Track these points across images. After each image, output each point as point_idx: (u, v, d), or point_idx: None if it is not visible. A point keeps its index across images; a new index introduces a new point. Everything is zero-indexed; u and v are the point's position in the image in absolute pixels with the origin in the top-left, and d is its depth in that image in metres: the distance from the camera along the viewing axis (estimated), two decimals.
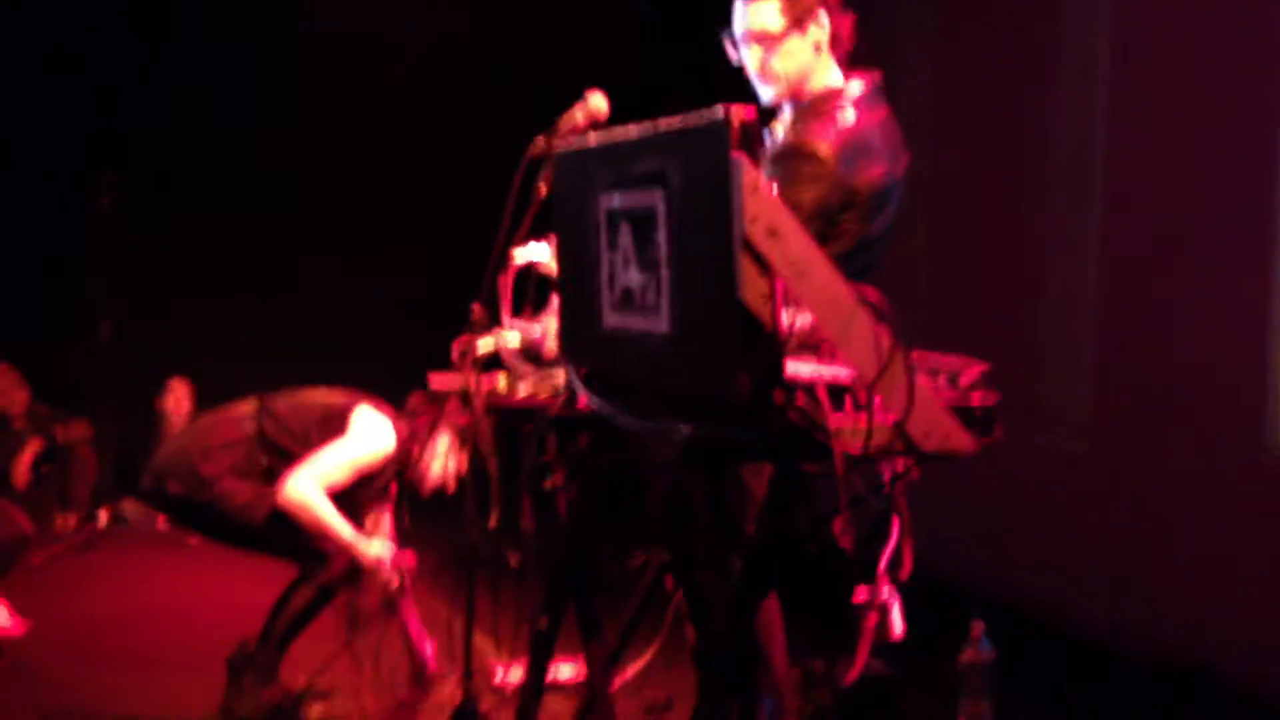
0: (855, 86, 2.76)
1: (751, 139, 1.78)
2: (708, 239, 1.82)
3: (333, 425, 3.84)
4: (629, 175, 2.02)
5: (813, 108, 2.74)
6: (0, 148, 7.01)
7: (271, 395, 3.96)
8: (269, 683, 3.80)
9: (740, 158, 1.75)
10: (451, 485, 3.98)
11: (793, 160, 2.61)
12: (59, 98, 7.01)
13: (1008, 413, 1.94)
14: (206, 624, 4.37)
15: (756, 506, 2.20)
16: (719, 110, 1.78)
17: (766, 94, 2.81)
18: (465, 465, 3.89)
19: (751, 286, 1.75)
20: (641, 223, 1.98)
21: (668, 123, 1.94)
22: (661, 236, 1.93)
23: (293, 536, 3.77)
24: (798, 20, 2.74)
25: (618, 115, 2.76)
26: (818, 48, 2.76)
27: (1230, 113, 4.60)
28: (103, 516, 6.66)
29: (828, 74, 2.79)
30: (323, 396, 3.94)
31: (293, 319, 6.86)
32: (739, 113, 1.78)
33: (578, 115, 3.01)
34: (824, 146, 2.61)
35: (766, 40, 2.76)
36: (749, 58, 2.81)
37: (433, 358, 3.07)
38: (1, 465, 6.45)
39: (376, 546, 3.82)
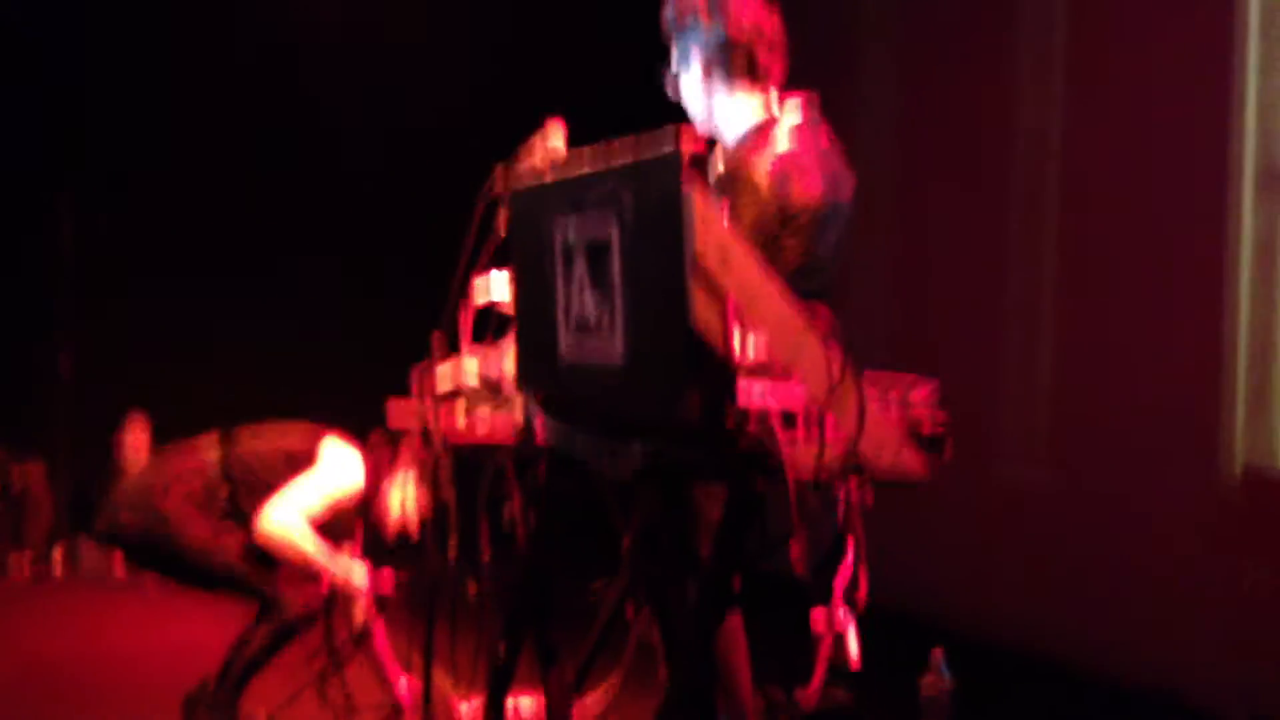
0: (790, 116, 2.81)
1: (702, 168, 1.81)
2: (660, 267, 1.85)
3: (298, 460, 3.82)
4: (583, 206, 2.05)
5: (748, 137, 2.79)
6: None
7: (234, 430, 3.93)
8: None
9: (690, 188, 1.78)
10: (414, 529, 3.93)
11: (730, 188, 2.66)
12: (13, 132, 6.96)
13: (966, 440, 1.97)
14: (163, 665, 4.33)
15: (710, 530, 2.21)
16: (670, 133, 1.82)
17: (699, 127, 2.88)
18: (428, 507, 3.88)
19: (704, 313, 1.78)
20: (596, 252, 2.02)
21: (621, 145, 1.97)
22: (615, 265, 1.96)
23: (248, 576, 3.74)
24: (712, 59, 2.81)
25: (585, 133, 2.81)
26: (740, 82, 2.82)
27: (1181, 133, 4.65)
28: (57, 557, 6.58)
29: (755, 108, 2.85)
30: (287, 432, 3.91)
31: (254, 352, 6.82)
32: (689, 143, 1.82)
33: (535, 151, 3.04)
34: (758, 172, 2.65)
35: (687, 76, 2.86)
36: (679, 93, 2.90)
37: (393, 386, 3.08)
38: None
39: (359, 572, 3.79)
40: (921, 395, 1.89)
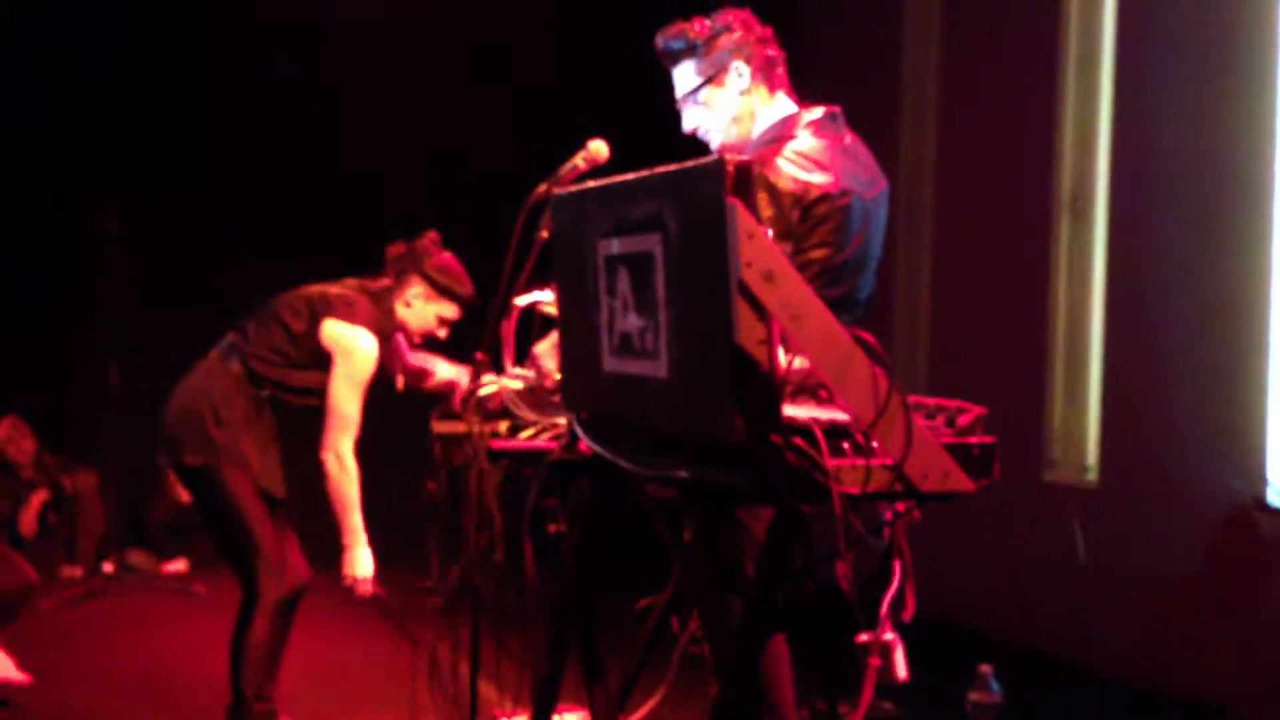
0: (810, 114, 2.80)
1: (746, 183, 1.79)
2: (704, 283, 1.84)
3: (303, 338, 3.81)
4: (626, 220, 2.04)
5: (766, 139, 2.78)
6: (4, 192, 7.04)
7: (233, 333, 3.90)
8: None
9: (735, 202, 1.77)
10: (440, 331, 3.94)
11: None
12: (61, 142, 7.04)
13: (1013, 450, 1.95)
14: (212, 672, 4.34)
15: (756, 547, 2.20)
16: (715, 155, 1.81)
17: (714, 147, 2.88)
18: (454, 311, 3.90)
19: (748, 330, 1.76)
20: (639, 268, 2.00)
21: (665, 169, 1.96)
22: (659, 281, 1.95)
23: (258, 545, 3.74)
24: (711, 77, 2.83)
25: (622, 161, 2.81)
26: (742, 93, 2.85)
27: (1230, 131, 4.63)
28: (108, 567, 6.64)
29: (771, 109, 2.86)
30: (279, 313, 3.86)
31: None
32: (734, 156, 1.80)
33: (579, 161, 3.06)
34: (775, 169, 2.64)
35: (690, 100, 2.87)
36: (687, 120, 2.91)
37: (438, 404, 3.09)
38: (8, 515, 6.45)
39: (366, 558, 3.79)
40: (968, 419, 1.86)
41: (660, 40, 2.90)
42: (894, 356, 5.81)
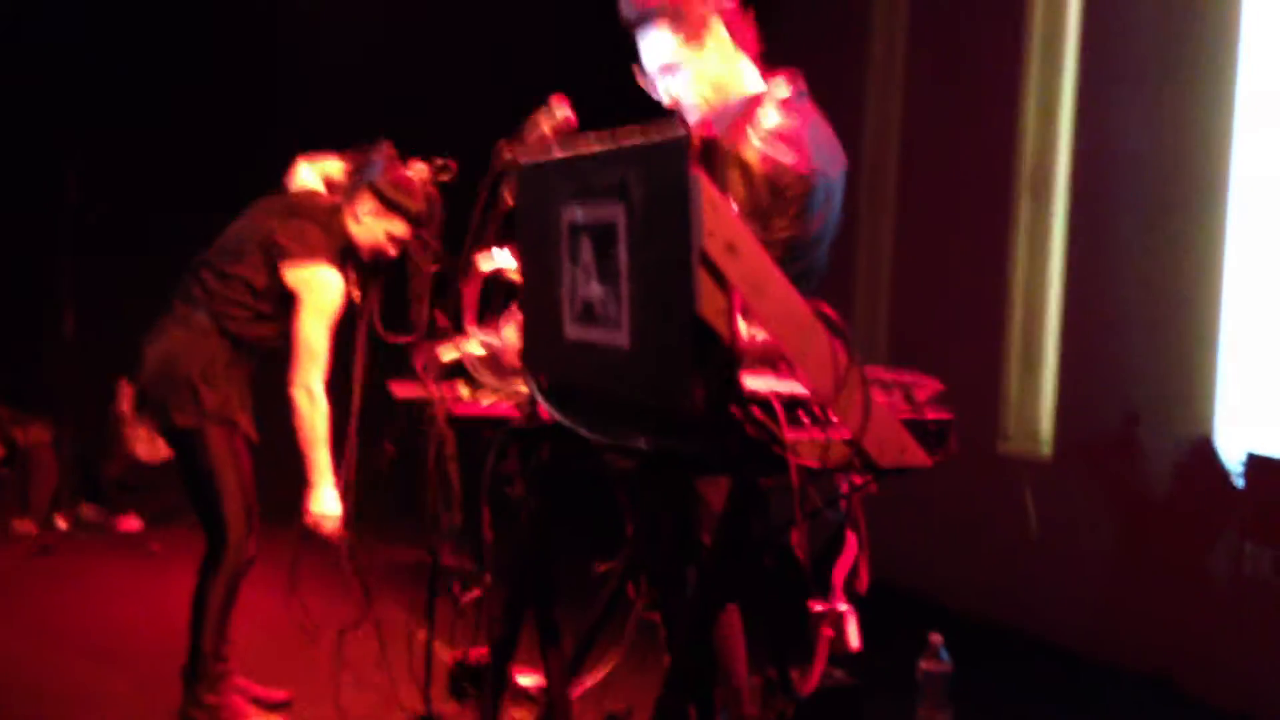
0: (777, 89, 2.77)
1: (711, 154, 1.79)
2: (667, 253, 1.84)
3: (270, 295, 3.75)
4: (591, 188, 2.03)
5: (735, 115, 2.76)
6: None
7: (194, 283, 3.83)
8: (217, 691, 3.78)
9: (699, 173, 1.77)
10: (390, 248, 3.84)
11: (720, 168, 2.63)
12: (20, 90, 6.92)
13: (968, 422, 1.97)
14: (168, 628, 4.34)
15: (713, 518, 2.21)
16: (679, 123, 1.80)
17: (692, 117, 2.83)
18: (404, 228, 3.79)
19: (709, 301, 1.76)
20: (602, 236, 2.00)
21: (628, 133, 1.95)
22: (622, 250, 1.95)
23: (233, 504, 3.72)
24: (690, 38, 2.75)
25: (582, 118, 2.78)
26: (723, 56, 2.78)
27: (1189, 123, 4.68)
28: (61, 522, 6.60)
29: (743, 81, 2.81)
30: (245, 272, 3.77)
31: None
32: (699, 127, 1.80)
33: (542, 123, 3.03)
34: (747, 150, 2.62)
35: (669, 68, 2.78)
36: (662, 89, 2.83)
37: (396, 366, 3.07)
38: None
39: (332, 497, 3.75)
40: (926, 392, 1.88)
41: (629, 5, 2.78)
42: (854, 328, 5.86)
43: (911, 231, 6.24)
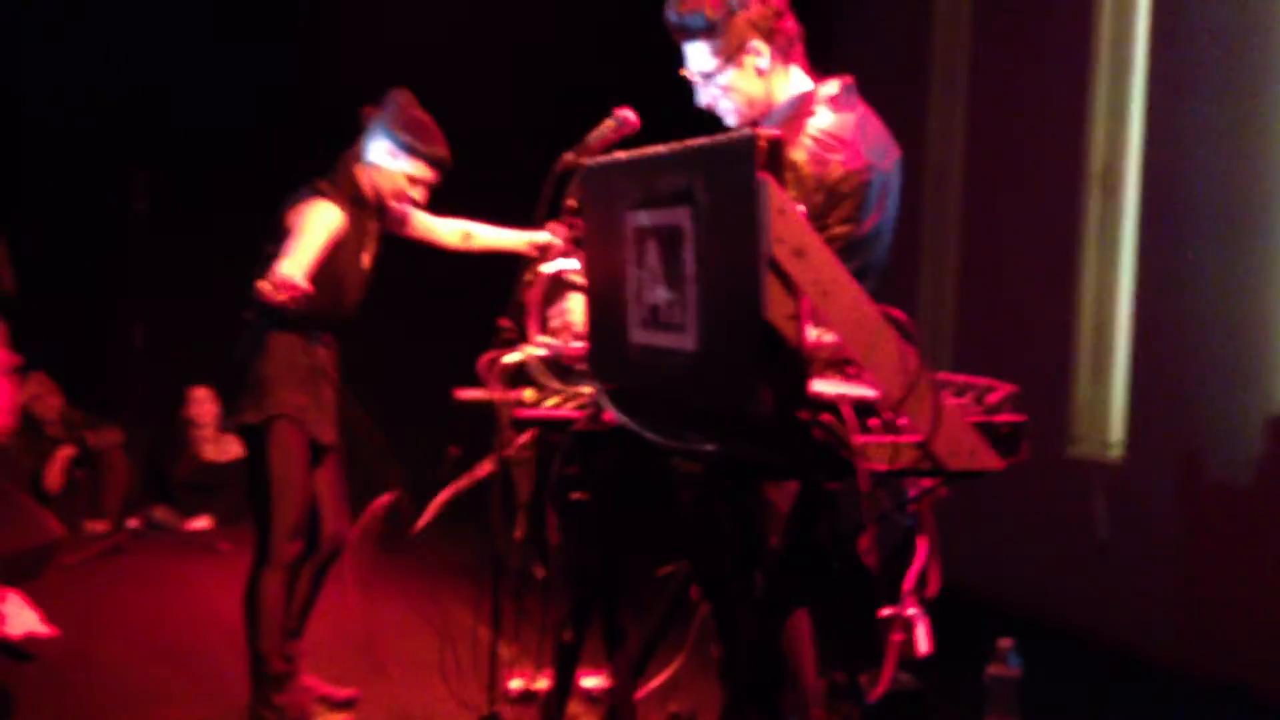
0: (826, 88, 2.76)
1: (778, 158, 1.78)
2: (734, 258, 1.83)
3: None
4: (656, 192, 2.03)
5: (784, 116, 2.75)
6: (33, 150, 7.06)
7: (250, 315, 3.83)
8: (284, 690, 3.81)
9: (767, 177, 1.76)
10: (412, 192, 3.83)
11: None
12: (93, 99, 7.04)
13: (1037, 425, 1.95)
14: (236, 629, 4.39)
15: (780, 521, 2.20)
16: (748, 130, 1.80)
17: (731, 124, 2.84)
18: (423, 170, 3.76)
19: (777, 306, 1.76)
20: (669, 240, 2.00)
21: (695, 142, 1.95)
22: (688, 254, 1.94)
23: (284, 506, 3.73)
24: (729, 57, 2.75)
25: (648, 133, 2.78)
26: (760, 72, 2.78)
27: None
28: (133, 523, 6.71)
29: (787, 85, 2.81)
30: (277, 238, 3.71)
31: None
32: (766, 132, 1.79)
33: (607, 131, 3.04)
34: (797, 151, 2.61)
35: (707, 79, 2.79)
36: (702, 96, 2.84)
37: (461, 375, 3.08)
38: (34, 471, 6.51)
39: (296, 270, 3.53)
40: (997, 397, 1.86)
41: (673, 15, 2.79)
42: (920, 331, 5.82)
43: (977, 233, 6.18)
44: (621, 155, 2.28)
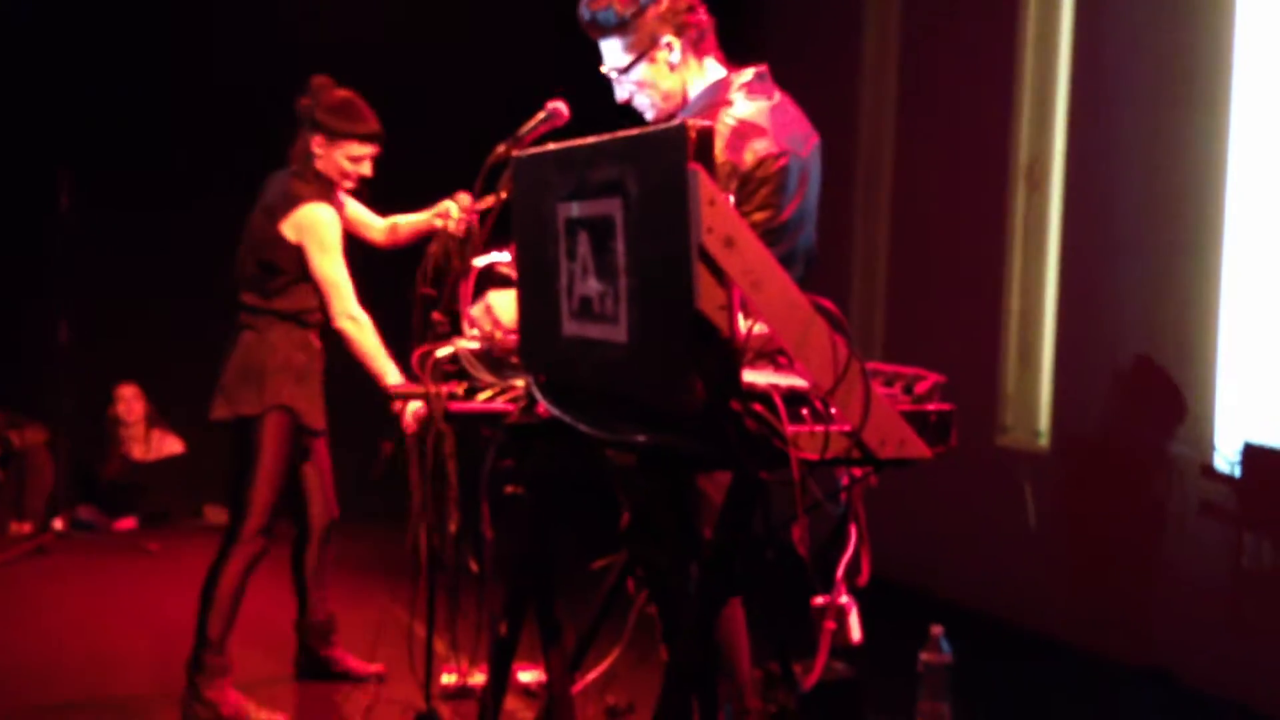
0: (741, 76, 2.79)
1: (708, 148, 1.79)
2: (665, 248, 1.83)
3: (293, 266, 3.84)
4: (587, 184, 2.03)
5: (700, 107, 2.77)
6: None
7: (236, 312, 3.94)
8: (216, 686, 3.78)
9: (697, 168, 1.76)
10: (361, 170, 3.93)
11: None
12: (15, 95, 6.90)
13: (966, 415, 1.97)
14: (166, 627, 4.35)
15: (714, 512, 2.21)
16: (678, 120, 1.80)
17: (649, 119, 2.86)
18: (361, 148, 3.86)
19: (708, 296, 1.76)
20: (600, 232, 1.99)
21: (626, 133, 1.95)
22: (619, 246, 1.94)
23: (261, 492, 3.82)
24: (642, 52, 2.79)
25: (580, 124, 2.78)
26: (673, 67, 2.81)
27: (1179, 113, 4.67)
28: (58, 523, 6.59)
29: (702, 78, 2.84)
30: (267, 255, 3.88)
31: None
32: (697, 123, 1.80)
33: (538, 123, 3.05)
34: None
35: (622, 75, 2.83)
36: (619, 92, 2.88)
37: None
38: None
39: (395, 376, 3.79)
40: (926, 386, 1.88)
41: (585, 12, 2.81)
42: (851, 321, 5.87)
43: (907, 225, 6.24)
44: (552, 147, 2.27)
